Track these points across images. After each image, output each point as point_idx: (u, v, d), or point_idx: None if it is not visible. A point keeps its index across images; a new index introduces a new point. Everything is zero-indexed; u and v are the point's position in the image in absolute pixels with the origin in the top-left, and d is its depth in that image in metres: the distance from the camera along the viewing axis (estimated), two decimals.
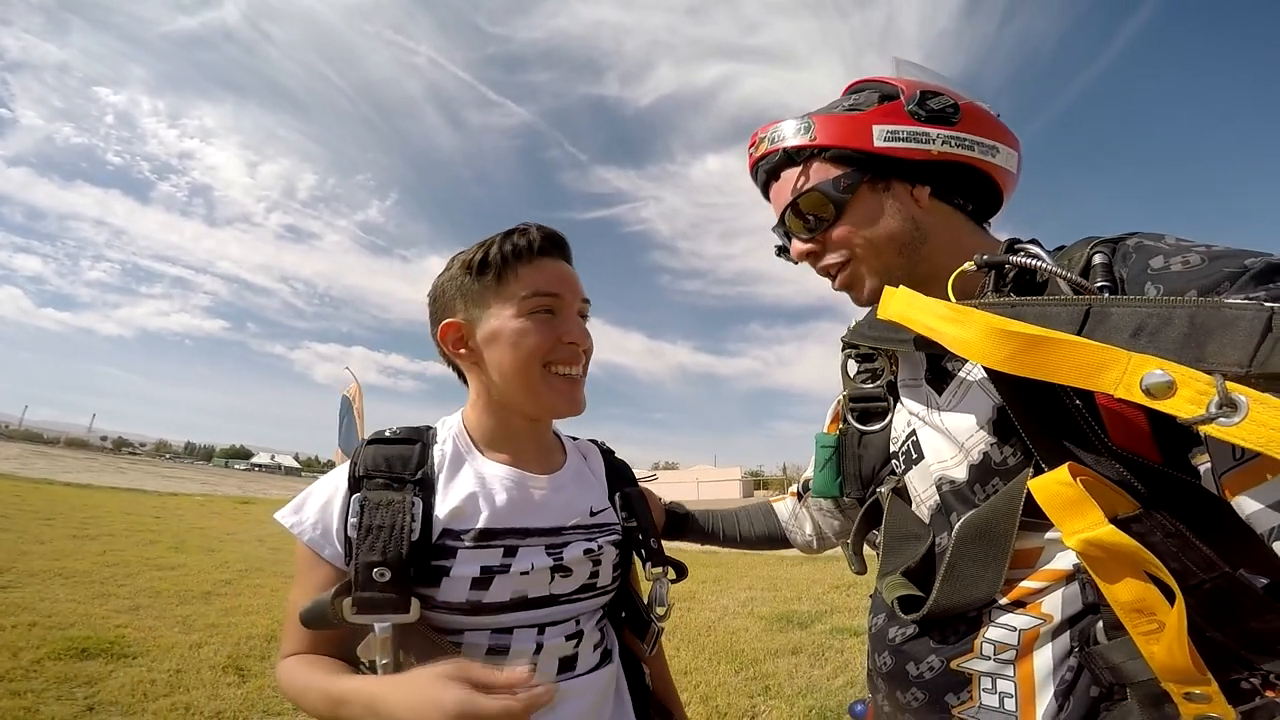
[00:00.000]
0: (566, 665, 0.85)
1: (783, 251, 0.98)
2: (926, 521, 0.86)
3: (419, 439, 0.89)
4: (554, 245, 0.91)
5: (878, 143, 0.81)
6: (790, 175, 0.88)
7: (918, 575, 0.82)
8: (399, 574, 0.75)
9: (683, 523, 1.24)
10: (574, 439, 1.07)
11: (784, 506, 1.26)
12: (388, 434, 0.89)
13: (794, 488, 1.25)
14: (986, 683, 0.73)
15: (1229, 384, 0.48)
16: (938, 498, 0.83)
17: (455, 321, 0.91)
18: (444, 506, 0.83)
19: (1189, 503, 0.58)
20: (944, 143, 0.81)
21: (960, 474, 0.79)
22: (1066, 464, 0.59)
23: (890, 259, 0.84)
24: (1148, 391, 0.51)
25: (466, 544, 0.81)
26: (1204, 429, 0.48)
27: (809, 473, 1.13)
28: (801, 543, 1.22)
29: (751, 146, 0.93)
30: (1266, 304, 0.51)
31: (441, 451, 0.89)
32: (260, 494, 23.18)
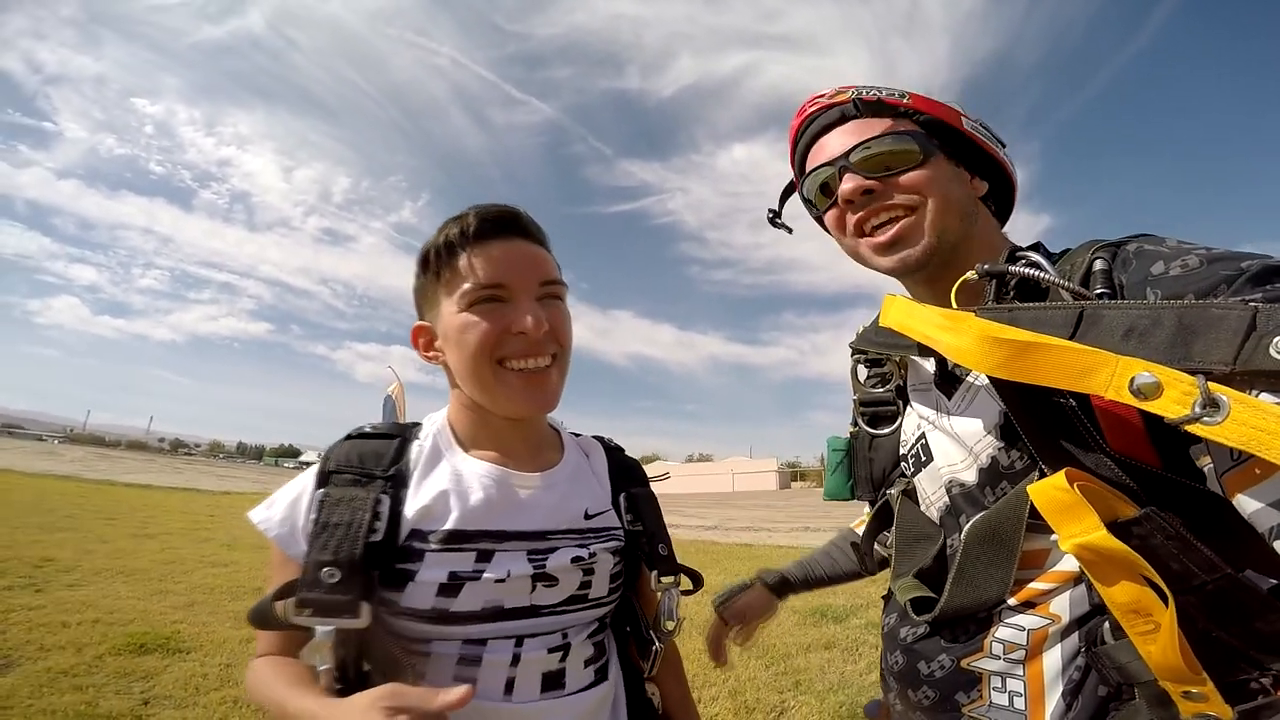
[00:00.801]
0: (552, 682, 0.78)
1: (776, 215, 1.02)
2: (937, 523, 0.87)
3: (400, 434, 0.85)
4: (497, 227, 0.81)
5: (967, 127, 0.85)
6: (874, 122, 0.86)
7: (930, 576, 0.84)
8: (349, 575, 0.69)
9: (784, 588, 1.24)
10: (577, 435, 0.99)
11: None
12: (368, 429, 0.85)
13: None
14: (996, 682, 0.74)
15: (1211, 384, 0.49)
16: (947, 499, 0.84)
17: (421, 324, 0.87)
18: (413, 505, 0.78)
19: (1189, 504, 0.58)
20: (1001, 154, 0.88)
21: (970, 477, 0.80)
22: (1064, 470, 0.59)
23: (952, 221, 0.83)
24: (1137, 392, 0.52)
25: (433, 546, 0.75)
26: (1190, 428, 0.49)
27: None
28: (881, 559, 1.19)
29: (825, 96, 0.90)
30: (1250, 303, 0.52)
31: (420, 447, 0.84)
32: None
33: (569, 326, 0.85)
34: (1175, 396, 0.50)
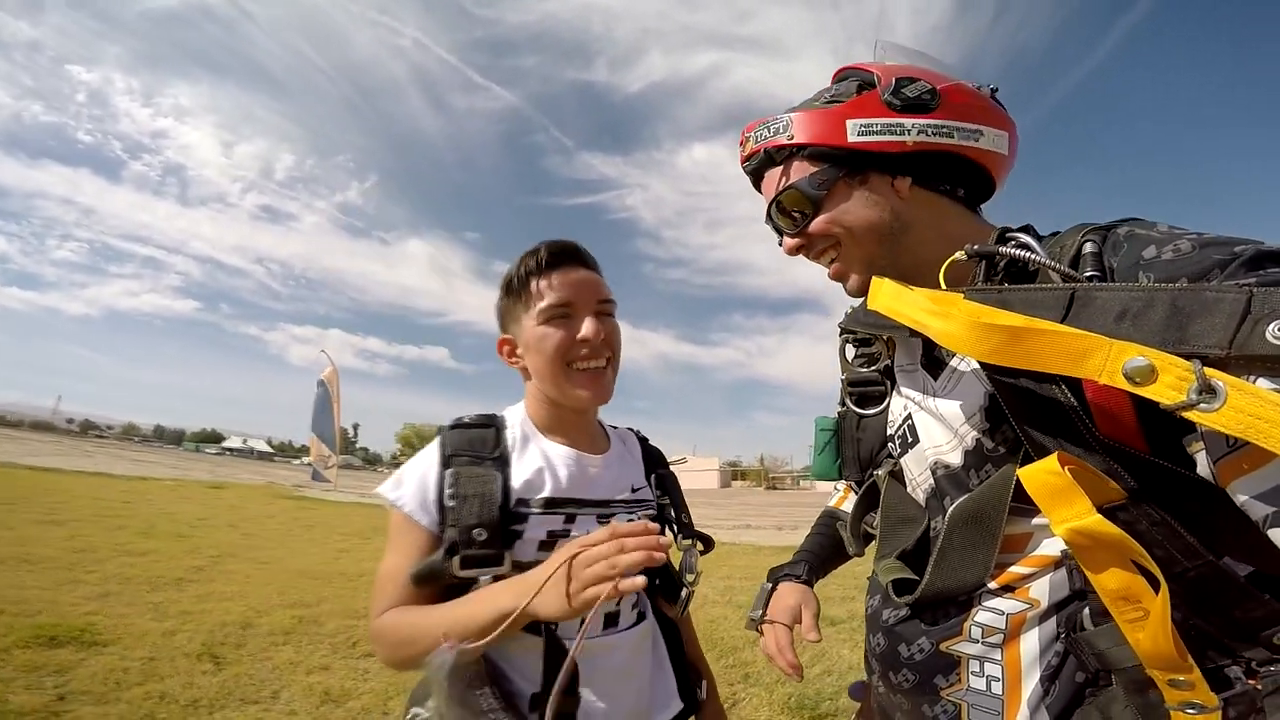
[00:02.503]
0: (610, 621, 0.99)
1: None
2: (922, 505, 0.88)
3: (493, 424, 1.03)
4: (563, 258, 1.01)
5: (851, 138, 0.81)
6: (773, 174, 0.89)
7: (912, 558, 0.84)
8: (494, 533, 0.89)
9: (812, 577, 1.19)
10: (615, 428, 1.20)
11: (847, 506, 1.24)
12: (466, 420, 1.03)
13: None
14: (974, 666, 0.74)
15: (1207, 370, 0.48)
16: (932, 481, 0.85)
17: (505, 337, 1.08)
18: (518, 478, 0.97)
19: (1176, 491, 0.58)
20: (920, 132, 0.79)
21: (955, 459, 0.80)
22: (1055, 453, 0.59)
23: (872, 249, 0.84)
24: (1129, 377, 0.51)
25: (536, 510, 0.95)
26: (1186, 415, 0.49)
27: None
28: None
29: (740, 145, 0.93)
30: (1245, 286, 0.51)
31: (513, 434, 1.03)
32: (232, 478, 22.76)
33: (619, 336, 1.06)
34: (1170, 382, 0.49)
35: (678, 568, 1.12)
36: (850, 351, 1.06)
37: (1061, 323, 0.59)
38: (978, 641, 0.74)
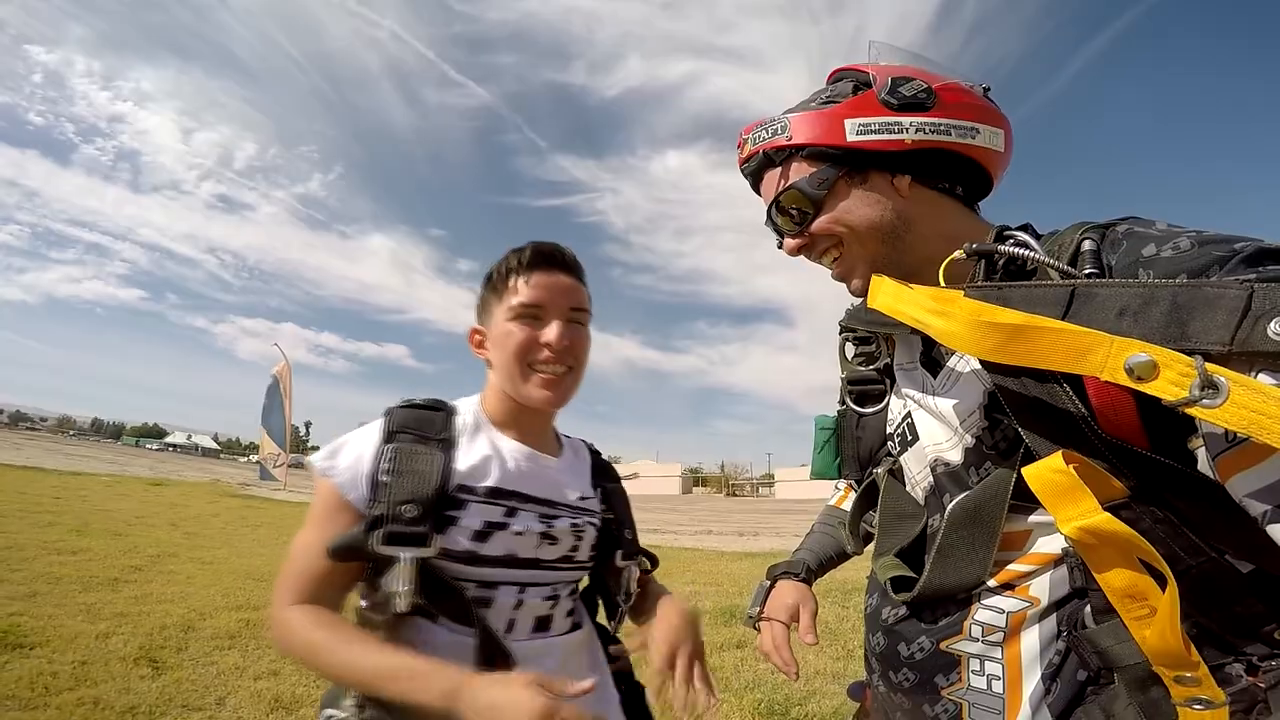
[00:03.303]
0: (541, 625, 0.96)
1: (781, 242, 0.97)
2: (921, 503, 0.87)
3: (443, 409, 1.02)
4: (544, 260, 1.00)
5: (850, 138, 0.80)
6: (772, 175, 0.88)
7: (910, 555, 0.83)
8: (424, 512, 0.86)
9: (811, 576, 1.17)
10: (568, 437, 1.18)
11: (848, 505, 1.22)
12: (417, 401, 1.02)
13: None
14: (975, 664, 0.74)
15: (1209, 366, 0.48)
16: (932, 479, 0.84)
17: (476, 328, 1.07)
18: (463, 463, 0.94)
19: (1178, 488, 0.58)
20: (918, 130, 0.79)
21: (955, 457, 0.80)
22: (1060, 451, 0.59)
23: (875, 248, 0.84)
24: (1131, 373, 0.51)
25: (477, 498, 0.92)
26: (1188, 411, 0.49)
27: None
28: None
29: (738, 148, 0.93)
30: (1245, 282, 0.51)
31: (463, 420, 1.01)
32: (175, 475, 21.79)
33: (587, 346, 1.04)
34: (1172, 378, 0.49)
35: (623, 587, 1.09)
36: (850, 350, 1.05)
37: (1062, 320, 0.59)
38: (978, 640, 0.74)
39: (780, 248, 0.96)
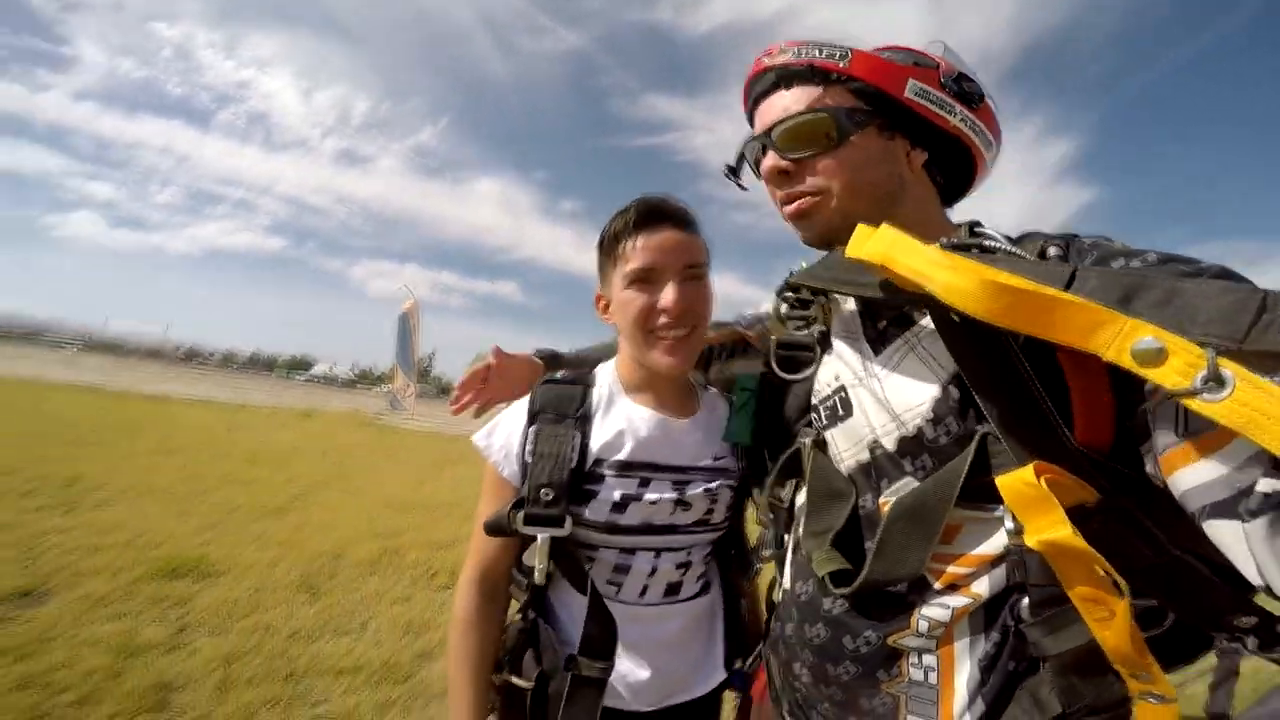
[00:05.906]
0: (672, 590, 1.03)
1: (734, 172, 0.98)
2: (848, 478, 0.84)
3: (582, 383, 1.07)
4: (652, 218, 0.99)
5: (907, 94, 0.82)
6: (804, 91, 0.85)
7: (843, 540, 0.81)
8: (559, 495, 0.94)
9: (554, 362, 1.30)
10: (706, 388, 1.18)
11: None
12: (558, 377, 1.08)
13: None
14: (914, 658, 0.75)
15: (1220, 359, 0.47)
16: (868, 457, 0.82)
17: (600, 294, 1.09)
18: (598, 439, 1.00)
19: (1142, 492, 0.60)
20: (961, 120, 0.84)
21: (890, 443, 0.79)
22: (1033, 464, 0.60)
23: (861, 206, 0.83)
24: (1136, 357, 0.51)
25: (611, 472, 0.98)
26: (1186, 402, 0.49)
27: None
28: None
29: (768, 55, 0.88)
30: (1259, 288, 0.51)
31: (599, 394, 1.07)
32: (322, 405, 24.47)
33: (708, 302, 1.03)
34: (1179, 367, 0.48)
35: (754, 541, 1.11)
36: (785, 310, 1.00)
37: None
38: (922, 635, 0.74)
39: (731, 175, 0.99)
